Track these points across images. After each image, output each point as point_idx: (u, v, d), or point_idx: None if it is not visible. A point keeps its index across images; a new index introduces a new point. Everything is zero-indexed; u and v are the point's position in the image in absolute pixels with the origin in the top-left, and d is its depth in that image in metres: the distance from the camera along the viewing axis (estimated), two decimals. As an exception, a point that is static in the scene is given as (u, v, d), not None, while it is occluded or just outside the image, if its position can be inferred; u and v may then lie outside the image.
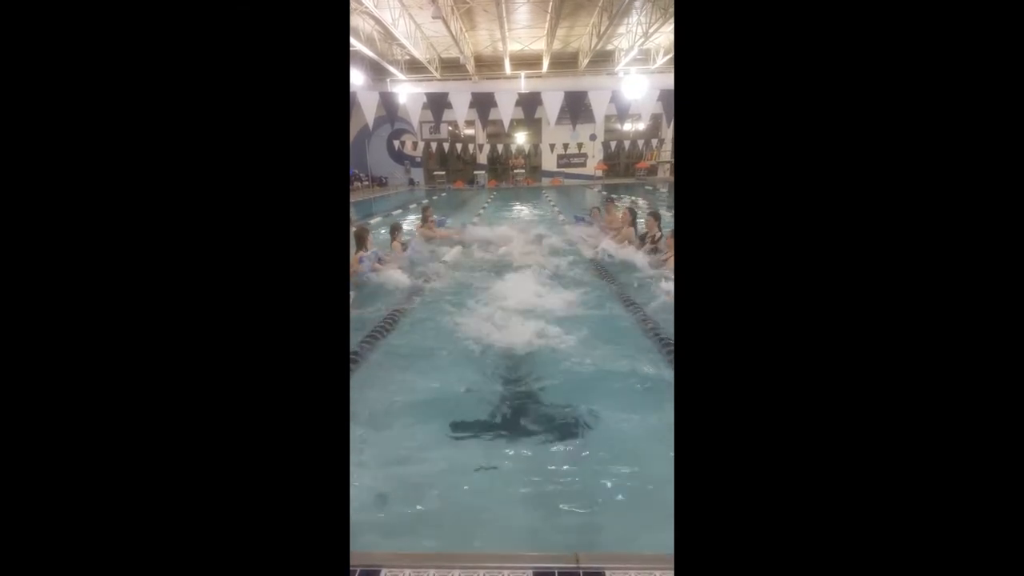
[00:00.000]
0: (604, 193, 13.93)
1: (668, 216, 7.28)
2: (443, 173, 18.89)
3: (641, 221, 5.94)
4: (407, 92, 13.20)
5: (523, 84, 15.88)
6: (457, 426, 2.33)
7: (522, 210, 10.85)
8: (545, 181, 18.90)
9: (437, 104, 11.84)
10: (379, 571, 1.36)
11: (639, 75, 15.07)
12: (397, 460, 2.08)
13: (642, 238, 5.56)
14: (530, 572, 1.35)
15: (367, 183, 17.79)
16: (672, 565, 1.33)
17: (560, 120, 12.06)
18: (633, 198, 12.37)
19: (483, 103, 11.89)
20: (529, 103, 12.10)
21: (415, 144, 17.54)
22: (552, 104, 11.67)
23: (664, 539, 0.98)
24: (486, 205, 12.00)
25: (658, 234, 5.31)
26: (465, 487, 1.96)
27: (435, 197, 14.90)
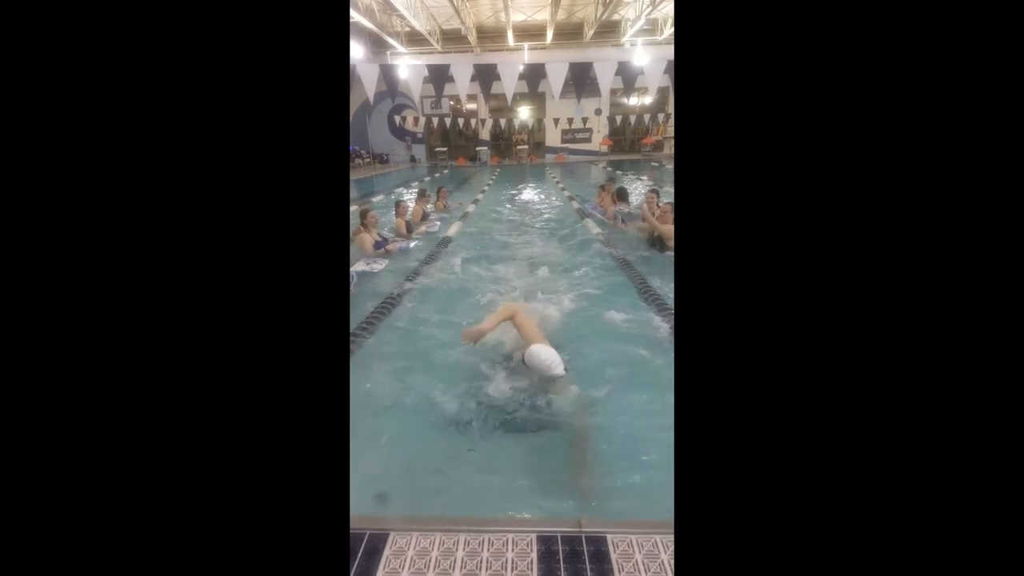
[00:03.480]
0: (609, 170, 13.74)
1: (670, 190, 7.24)
2: (445, 150, 18.65)
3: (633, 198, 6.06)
4: (408, 64, 12.90)
5: (526, 56, 15.51)
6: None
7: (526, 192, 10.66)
8: (549, 157, 18.66)
9: (439, 77, 11.58)
10: (388, 535, 1.36)
11: (646, 46, 14.68)
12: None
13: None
14: (533, 536, 1.34)
15: (368, 160, 17.59)
16: (671, 531, 1.34)
17: (564, 93, 11.78)
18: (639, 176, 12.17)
19: (485, 76, 11.62)
20: (533, 75, 11.81)
21: (416, 119, 17.25)
22: (556, 76, 11.38)
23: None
24: (490, 183, 11.84)
25: (656, 211, 5.36)
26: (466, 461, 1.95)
27: (437, 174, 14.75)
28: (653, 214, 5.35)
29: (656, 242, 4.77)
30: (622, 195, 6.32)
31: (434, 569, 1.25)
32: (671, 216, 4.76)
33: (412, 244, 5.31)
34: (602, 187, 7.40)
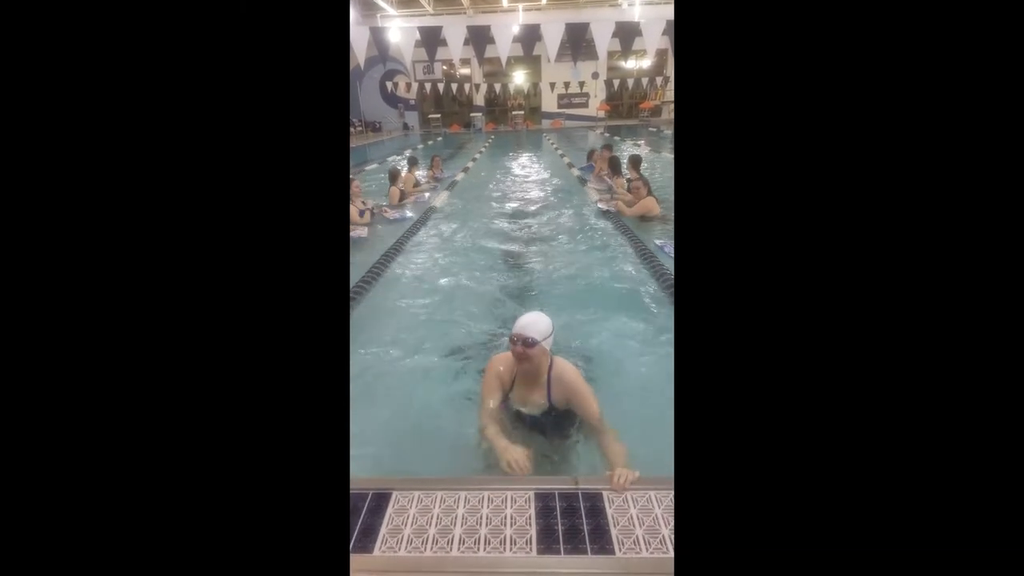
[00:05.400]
0: (606, 135, 13.50)
1: (668, 157, 7.17)
2: (439, 116, 18.23)
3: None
4: (399, 27, 12.45)
5: (521, 17, 14.96)
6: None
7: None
8: (545, 123, 18.29)
9: (431, 40, 11.21)
10: (390, 494, 1.40)
11: (644, 6, 14.18)
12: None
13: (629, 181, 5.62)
14: (531, 493, 1.39)
15: (360, 128, 17.21)
16: (665, 487, 1.38)
17: (560, 56, 11.45)
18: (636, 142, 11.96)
19: (479, 38, 11.26)
20: (528, 38, 11.44)
21: (409, 85, 16.78)
22: (552, 38, 11.04)
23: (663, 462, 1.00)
24: (483, 150, 11.62)
25: (634, 176, 5.35)
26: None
27: (431, 142, 14.47)
28: (621, 187, 5.29)
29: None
30: (614, 166, 6.28)
31: (436, 525, 1.29)
32: (645, 191, 4.72)
33: (408, 214, 5.26)
34: (592, 151, 7.30)
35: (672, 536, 1.22)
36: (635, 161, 6.16)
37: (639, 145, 11.40)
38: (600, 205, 5.14)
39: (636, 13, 12.95)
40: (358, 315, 2.88)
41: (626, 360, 2.33)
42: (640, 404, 1.96)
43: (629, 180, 5.51)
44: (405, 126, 18.28)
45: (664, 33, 10.89)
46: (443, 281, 3.38)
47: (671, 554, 1.17)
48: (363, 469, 1.50)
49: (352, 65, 13.58)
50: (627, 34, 11.00)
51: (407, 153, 10.13)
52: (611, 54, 13.74)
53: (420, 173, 7.00)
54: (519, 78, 18.13)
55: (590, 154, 7.44)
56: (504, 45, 11.28)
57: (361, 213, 4.77)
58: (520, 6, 15.59)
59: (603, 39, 11.02)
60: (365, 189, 5.82)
